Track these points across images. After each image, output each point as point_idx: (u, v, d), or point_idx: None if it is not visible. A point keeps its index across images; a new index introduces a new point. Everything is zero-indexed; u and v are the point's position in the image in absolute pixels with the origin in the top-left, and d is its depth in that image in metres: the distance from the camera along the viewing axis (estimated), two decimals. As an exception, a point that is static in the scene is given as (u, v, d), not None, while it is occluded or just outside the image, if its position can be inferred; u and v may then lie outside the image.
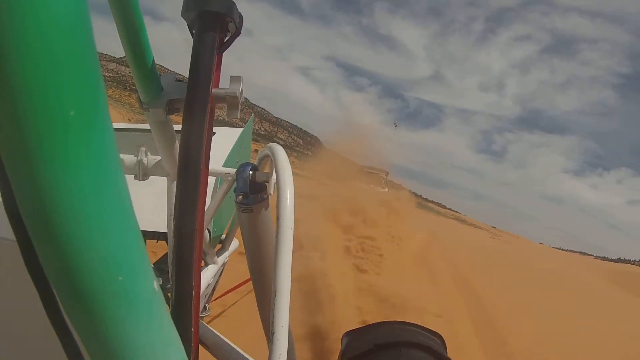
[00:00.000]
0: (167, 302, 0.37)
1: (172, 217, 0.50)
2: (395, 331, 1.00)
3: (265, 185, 0.75)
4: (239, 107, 0.57)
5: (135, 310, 0.26)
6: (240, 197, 0.72)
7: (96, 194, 0.23)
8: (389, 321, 1.09)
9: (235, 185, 0.75)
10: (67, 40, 0.20)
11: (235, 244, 1.42)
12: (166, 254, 1.38)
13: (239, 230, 1.30)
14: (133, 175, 0.85)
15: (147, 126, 0.70)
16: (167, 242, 1.13)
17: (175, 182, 0.50)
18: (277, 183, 0.64)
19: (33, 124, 0.20)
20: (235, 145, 1.47)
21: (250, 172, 0.73)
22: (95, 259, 0.23)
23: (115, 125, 1.64)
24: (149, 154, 0.87)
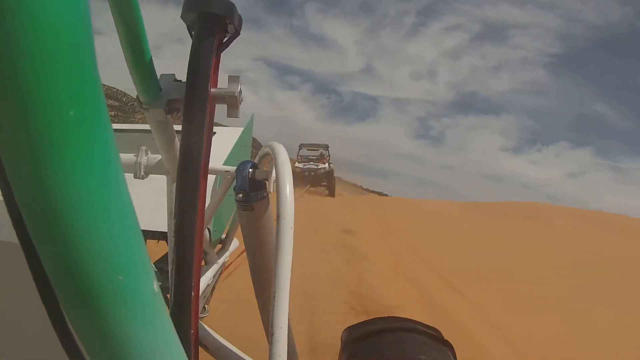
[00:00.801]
0: (167, 303, 0.37)
1: (172, 216, 0.50)
2: (403, 344, 0.97)
3: (265, 183, 0.75)
4: (239, 106, 0.57)
5: (134, 310, 0.26)
6: (241, 195, 0.72)
7: (96, 193, 0.23)
8: (394, 325, 1.06)
9: (235, 183, 0.75)
10: (66, 40, 0.20)
11: (235, 243, 1.42)
12: (166, 254, 1.38)
13: (239, 229, 1.30)
14: (132, 175, 0.85)
15: (147, 126, 0.70)
16: (167, 241, 1.13)
17: (175, 181, 0.50)
18: (277, 181, 0.64)
19: (32, 123, 0.20)
20: (235, 144, 1.47)
21: (250, 170, 0.73)
22: (95, 258, 0.23)
23: (115, 125, 1.64)
24: (149, 153, 0.87)
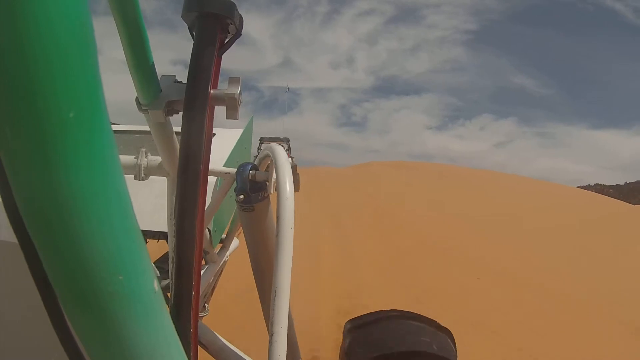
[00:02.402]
0: (167, 302, 0.38)
1: (172, 217, 0.50)
2: (404, 334, 0.99)
3: (266, 184, 0.75)
4: (238, 108, 0.57)
5: (135, 310, 0.26)
6: (242, 196, 0.72)
7: (96, 194, 0.23)
8: (393, 315, 1.07)
9: (235, 184, 0.75)
10: (66, 42, 0.20)
11: (235, 243, 1.42)
12: (166, 254, 1.38)
13: (239, 229, 1.30)
14: (133, 176, 0.85)
15: (147, 128, 0.70)
16: (167, 241, 1.13)
17: (175, 182, 0.50)
18: (277, 182, 0.64)
19: (32, 125, 0.20)
20: (235, 146, 1.47)
21: (250, 172, 0.73)
22: (95, 259, 0.23)
23: (115, 127, 1.64)
24: (149, 154, 0.87)
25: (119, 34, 0.51)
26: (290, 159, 10.93)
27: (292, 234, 0.60)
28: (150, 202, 1.19)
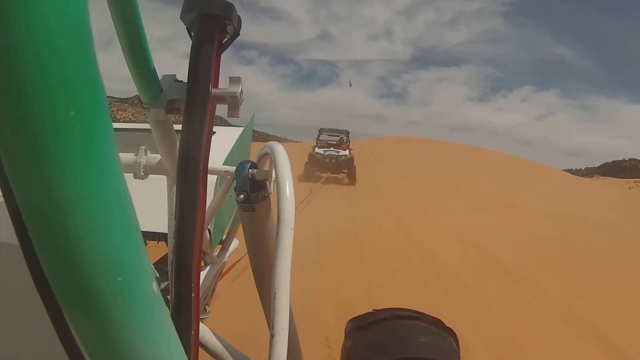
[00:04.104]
0: (167, 304, 0.37)
1: (172, 217, 0.49)
2: (407, 337, 0.98)
3: (266, 184, 0.75)
4: (240, 107, 0.57)
5: (134, 311, 0.26)
6: (242, 196, 0.72)
7: (96, 193, 0.22)
8: (396, 314, 1.06)
9: (235, 183, 0.75)
10: (66, 40, 0.20)
11: (235, 244, 1.41)
12: (166, 255, 1.38)
13: (239, 230, 1.30)
14: (132, 175, 0.84)
15: (147, 125, 0.70)
16: (166, 243, 1.13)
17: (175, 181, 0.50)
18: (277, 182, 0.64)
19: (32, 124, 0.20)
20: (235, 144, 1.47)
21: (250, 170, 0.72)
22: (94, 259, 0.23)
23: (116, 125, 1.64)
24: (148, 152, 0.86)
25: (118, 34, 0.51)
26: (348, 150, 10.42)
27: (292, 236, 0.60)
28: (150, 202, 1.19)
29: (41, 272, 0.25)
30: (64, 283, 0.23)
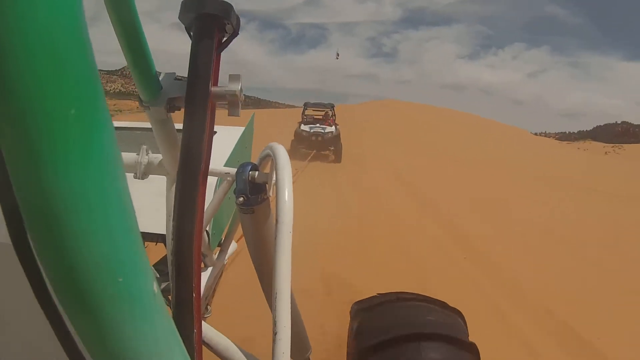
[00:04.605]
0: (169, 305, 0.37)
1: (171, 217, 0.49)
2: (414, 316, 0.98)
3: (266, 186, 0.75)
4: (240, 105, 0.57)
5: (135, 312, 0.26)
6: (241, 199, 0.72)
7: (97, 193, 0.22)
8: (400, 297, 1.06)
9: (235, 185, 0.74)
10: (65, 39, 0.20)
11: (234, 246, 1.41)
12: (165, 257, 1.38)
13: (238, 231, 1.30)
14: (133, 175, 0.84)
15: (148, 125, 0.70)
16: (164, 244, 1.12)
17: (175, 182, 0.50)
18: (277, 185, 0.64)
19: (33, 123, 0.19)
20: (236, 144, 1.47)
21: (250, 173, 0.72)
22: (95, 260, 0.23)
23: (117, 123, 1.63)
24: (149, 152, 0.86)
25: (116, 33, 0.51)
26: (334, 126, 10.02)
27: (291, 239, 0.60)
28: (149, 203, 1.18)
29: (37, 272, 0.25)
30: (64, 284, 0.23)
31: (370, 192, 6.73)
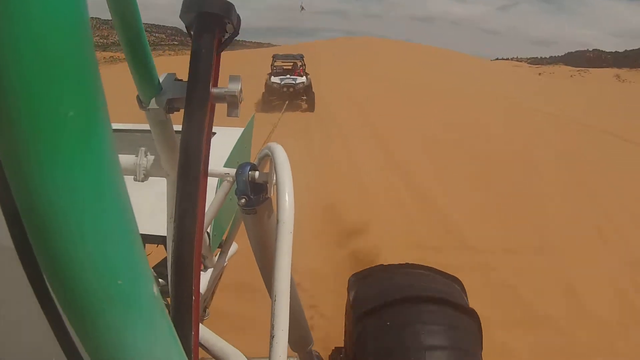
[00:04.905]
0: (168, 307, 0.37)
1: (172, 219, 0.49)
2: (412, 281, 0.97)
3: (266, 186, 0.75)
4: (239, 106, 0.57)
5: (134, 314, 0.26)
6: (243, 200, 0.72)
7: (95, 195, 0.22)
8: (398, 265, 1.05)
9: (235, 186, 0.74)
10: (65, 40, 0.19)
11: (234, 247, 1.41)
12: (165, 258, 1.37)
13: (239, 232, 1.30)
14: (132, 177, 0.84)
15: (147, 127, 0.70)
16: (165, 246, 1.12)
17: (175, 183, 0.49)
18: (277, 185, 0.64)
19: (31, 124, 0.19)
20: (235, 145, 1.47)
21: (250, 173, 0.72)
22: (93, 262, 0.23)
23: (115, 125, 1.63)
24: (148, 154, 0.86)
25: (118, 35, 0.51)
26: (305, 76, 9.98)
27: (292, 238, 0.60)
28: (149, 205, 1.18)
29: (38, 275, 0.25)
30: (63, 286, 0.23)
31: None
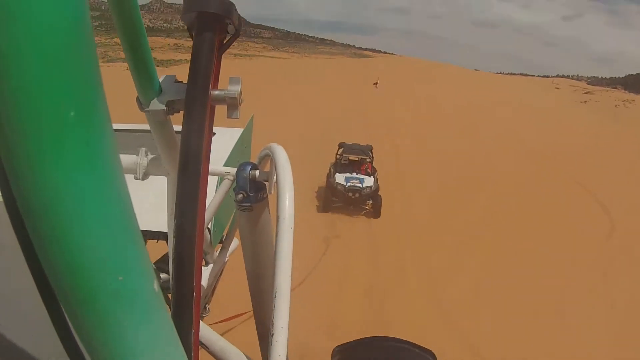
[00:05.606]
0: (168, 303, 0.37)
1: (173, 216, 0.50)
2: (388, 351, 1.01)
3: (265, 185, 0.75)
4: (239, 107, 0.57)
5: (135, 310, 0.26)
6: (240, 196, 0.72)
7: (96, 193, 0.22)
8: (379, 337, 1.10)
9: (235, 184, 0.75)
10: (67, 42, 0.20)
11: (235, 243, 1.41)
12: (166, 254, 1.38)
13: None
14: (133, 175, 0.85)
15: (147, 127, 0.70)
16: (167, 242, 1.13)
17: (176, 182, 0.50)
18: (277, 183, 0.64)
19: (33, 124, 0.19)
20: (235, 145, 1.47)
21: (250, 172, 0.73)
22: (95, 259, 0.23)
23: (116, 125, 1.63)
24: (149, 154, 0.87)
25: (119, 36, 0.51)
26: (373, 175, 8.91)
27: (292, 235, 0.60)
28: (150, 202, 1.19)
29: (41, 271, 0.25)
30: (65, 283, 0.23)
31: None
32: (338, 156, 9.87)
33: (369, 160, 9.70)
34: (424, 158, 9.27)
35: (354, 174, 8.97)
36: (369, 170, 9.26)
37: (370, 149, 10.07)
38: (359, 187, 8.63)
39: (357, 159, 9.75)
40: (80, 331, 0.26)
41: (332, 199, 8.70)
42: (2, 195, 0.28)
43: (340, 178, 8.83)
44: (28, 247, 0.27)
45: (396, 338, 1.09)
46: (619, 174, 10.64)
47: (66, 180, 0.21)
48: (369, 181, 8.78)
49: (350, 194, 8.53)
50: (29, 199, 0.21)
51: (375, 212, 8.62)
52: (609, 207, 8.82)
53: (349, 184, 8.62)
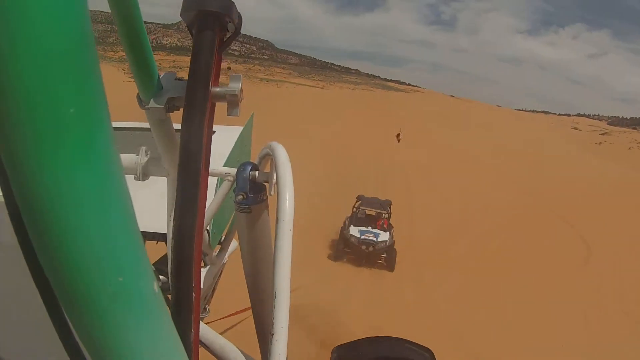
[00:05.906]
0: (168, 304, 0.37)
1: (172, 217, 0.49)
2: (386, 348, 1.02)
3: (265, 186, 0.75)
4: (239, 105, 0.57)
5: (135, 311, 0.26)
6: (240, 197, 0.72)
7: (96, 193, 0.22)
8: (378, 337, 1.12)
9: (235, 185, 0.75)
10: (66, 38, 0.20)
11: (234, 244, 1.41)
12: (166, 255, 1.38)
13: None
14: (133, 176, 0.84)
15: (147, 125, 0.70)
16: (166, 243, 1.12)
17: (175, 182, 0.50)
18: (278, 184, 0.64)
19: (32, 122, 0.19)
20: (235, 144, 1.47)
21: (251, 172, 0.72)
22: (95, 259, 0.23)
23: (115, 124, 1.63)
24: (149, 153, 0.86)
25: (119, 33, 0.51)
26: (389, 231, 8.59)
27: (291, 236, 0.60)
28: (150, 203, 1.18)
29: (42, 272, 0.25)
30: (64, 283, 0.23)
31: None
32: (355, 209, 9.48)
33: (387, 215, 9.27)
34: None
35: (369, 228, 8.66)
36: (384, 225, 8.88)
37: (389, 204, 9.62)
38: (373, 240, 8.33)
39: (374, 213, 9.34)
40: (81, 331, 0.26)
41: (344, 250, 8.47)
42: (3, 195, 0.28)
43: (354, 232, 8.53)
44: (28, 247, 0.27)
45: (395, 337, 1.11)
46: (604, 213, 12.47)
47: (65, 179, 0.21)
48: (384, 236, 8.50)
49: (363, 247, 8.25)
50: (28, 198, 0.21)
51: (389, 266, 8.36)
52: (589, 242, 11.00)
53: (362, 238, 8.34)
